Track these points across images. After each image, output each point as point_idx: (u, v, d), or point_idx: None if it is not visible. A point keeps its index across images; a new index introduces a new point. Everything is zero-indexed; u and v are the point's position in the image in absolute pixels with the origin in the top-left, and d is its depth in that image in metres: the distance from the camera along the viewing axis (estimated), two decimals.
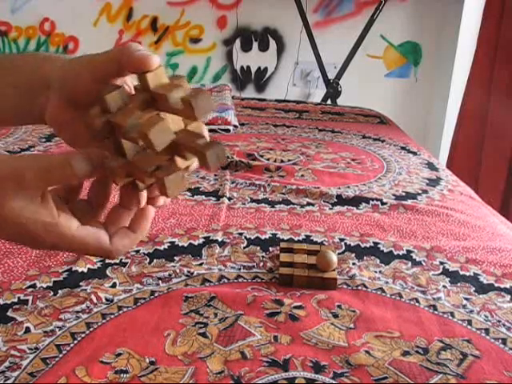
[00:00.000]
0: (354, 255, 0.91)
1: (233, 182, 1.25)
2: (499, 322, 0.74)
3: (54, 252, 0.86)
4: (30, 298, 0.74)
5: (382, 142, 1.76)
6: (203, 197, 1.15)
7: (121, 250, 0.42)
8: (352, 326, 0.70)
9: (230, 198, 1.14)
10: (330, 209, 1.12)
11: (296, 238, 0.97)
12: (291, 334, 0.68)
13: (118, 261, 0.84)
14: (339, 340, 0.67)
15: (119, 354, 0.62)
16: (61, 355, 0.62)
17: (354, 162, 1.49)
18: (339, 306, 0.75)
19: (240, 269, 0.85)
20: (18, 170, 0.37)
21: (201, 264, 0.85)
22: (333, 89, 2.75)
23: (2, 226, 0.38)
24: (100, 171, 0.39)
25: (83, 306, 0.72)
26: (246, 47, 2.89)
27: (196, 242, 0.93)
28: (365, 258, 0.91)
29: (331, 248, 0.90)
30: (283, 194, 1.20)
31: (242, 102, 2.31)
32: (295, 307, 0.74)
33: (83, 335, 0.66)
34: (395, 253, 0.93)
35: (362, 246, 0.95)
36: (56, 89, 0.43)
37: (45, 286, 0.77)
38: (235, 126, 1.80)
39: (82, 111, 0.41)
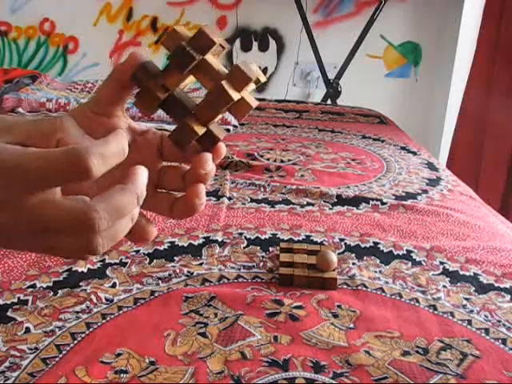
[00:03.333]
0: (354, 255, 0.91)
1: (233, 182, 1.25)
2: (499, 321, 0.74)
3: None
4: (30, 298, 0.74)
5: (382, 141, 1.76)
6: None
7: (100, 212, 0.32)
8: (352, 326, 0.70)
9: (229, 198, 1.14)
10: (330, 209, 1.12)
11: (296, 238, 0.97)
12: (291, 334, 0.68)
13: (117, 260, 0.84)
14: (339, 340, 0.67)
15: (119, 354, 0.62)
16: (61, 355, 0.62)
17: (354, 161, 1.49)
18: (339, 306, 0.75)
19: (240, 269, 0.85)
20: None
21: (201, 264, 0.85)
22: (333, 89, 2.75)
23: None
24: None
25: (83, 306, 0.72)
26: (246, 47, 2.89)
27: (196, 242, 0.93)
28: (365, 257, 0.91)
29: (331, 248, 0.90)
30: (283, 193, 1.20)
31: None
32: (295, 307, 0.74)
33: (83, 335, 0.66)
34: (395, 253, 0.93)
35: (362, 246, 0.95)
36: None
37: (45, 286, 0.77)
38: (235, 126, 1.80)
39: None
